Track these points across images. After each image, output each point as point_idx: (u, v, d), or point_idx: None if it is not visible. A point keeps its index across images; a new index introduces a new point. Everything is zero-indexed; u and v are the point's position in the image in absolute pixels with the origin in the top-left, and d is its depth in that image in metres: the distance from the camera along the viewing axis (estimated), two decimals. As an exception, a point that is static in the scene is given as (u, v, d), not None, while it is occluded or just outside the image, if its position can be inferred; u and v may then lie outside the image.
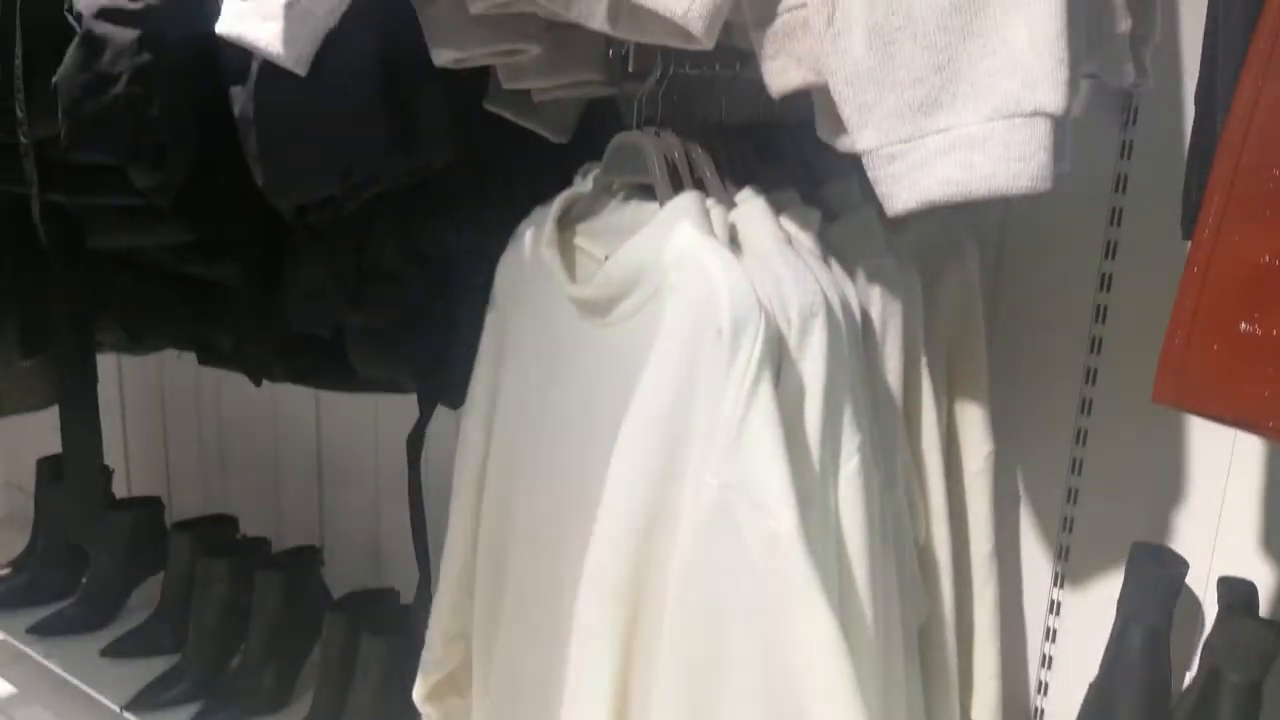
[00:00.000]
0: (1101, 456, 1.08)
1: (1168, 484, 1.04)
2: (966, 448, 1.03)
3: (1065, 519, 1.12)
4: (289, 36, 0.83)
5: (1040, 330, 1.09)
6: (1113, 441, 1.07)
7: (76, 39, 0.95)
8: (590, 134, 1.06)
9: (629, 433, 0.80)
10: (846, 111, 0.62)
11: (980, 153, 0.59)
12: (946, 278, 0.96)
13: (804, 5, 0.64)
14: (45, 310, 1.37)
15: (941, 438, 0.97)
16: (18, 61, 1.02)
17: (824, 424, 0.76)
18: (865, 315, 0.84)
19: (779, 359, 0.74)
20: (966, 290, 0.98)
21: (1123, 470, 1.07)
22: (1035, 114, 0.58)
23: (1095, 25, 0.74)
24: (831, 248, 0.84)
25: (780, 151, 0.95)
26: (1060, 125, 0.59)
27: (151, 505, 1.94)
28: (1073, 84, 0.58)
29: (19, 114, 1.05)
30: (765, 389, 0.72)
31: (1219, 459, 1.01)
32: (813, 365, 0.75)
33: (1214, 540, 1.03)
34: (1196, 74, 0.70)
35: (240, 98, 0.94)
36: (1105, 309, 1.05)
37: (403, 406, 1.32)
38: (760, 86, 0.72)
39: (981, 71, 0.58)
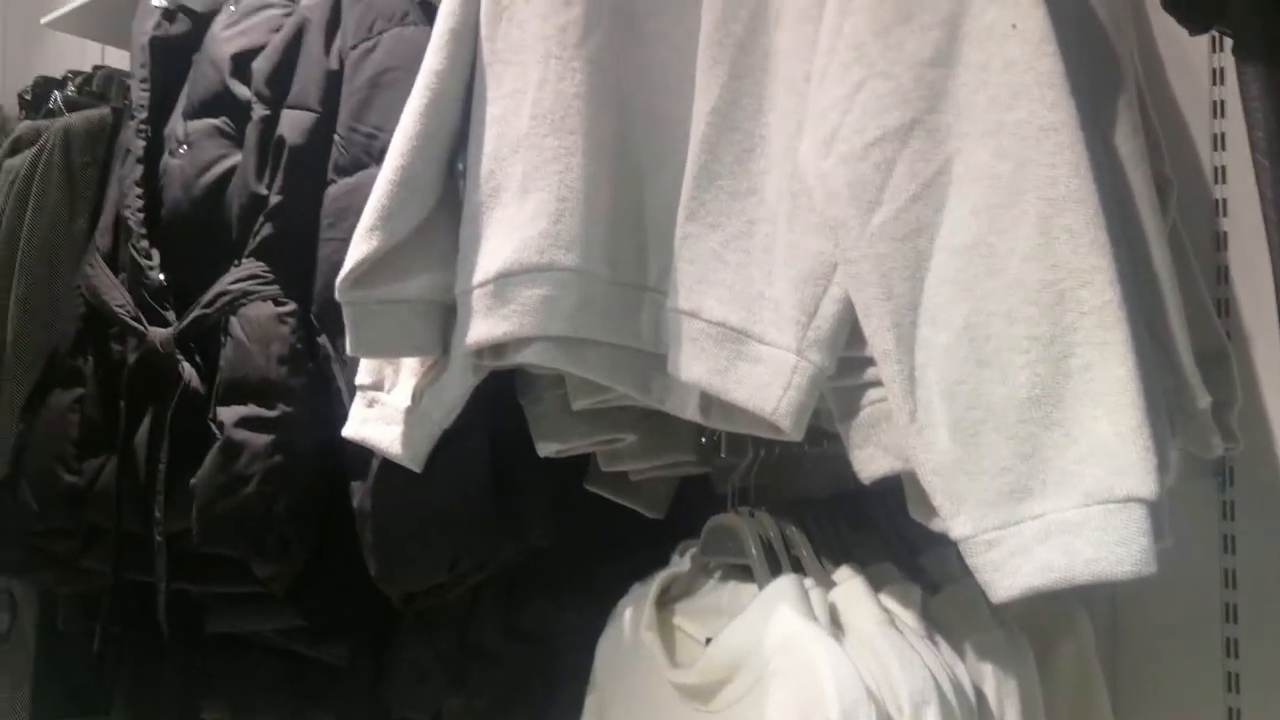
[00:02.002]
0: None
1: None
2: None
3: None
4: (408, 438, 0.90)
5: (1166, 688, 1.02)
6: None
7: (216, 445, 1.04)
8: (685, 508, 1.09)
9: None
10: (938, 500, 0.64)
11: (1079, 538, 0.59)
12: (1060, 648, 0.92)
13: (885, 399, 0.67)
14: (155, 686, 1.39)
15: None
16: (162, 466, 1.11)
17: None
18: (980, 694, 0.81)
19: (891, 748, 0.71)
20: (1082, 659, 0.94)
21: None
22: (1129, 500, 0.59)
23: (1176, 406, 0.76)
24: (936, 624, 0.82)
25: (873, 521, 0.96)
26: (1157, 507, 0.59)
27: None
28: (1162, 469, 0.59)
29: (157, 514, 1.13)
30: (880, 783, 0.68)
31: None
32: (927, 754, 0.72)
33: None
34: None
35: (359, 492, 1.00)
36: (1236, 677, 0.99)
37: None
38: (847, 460, 0.75)
39: (1069, 459, 0.60)
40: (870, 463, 0.71)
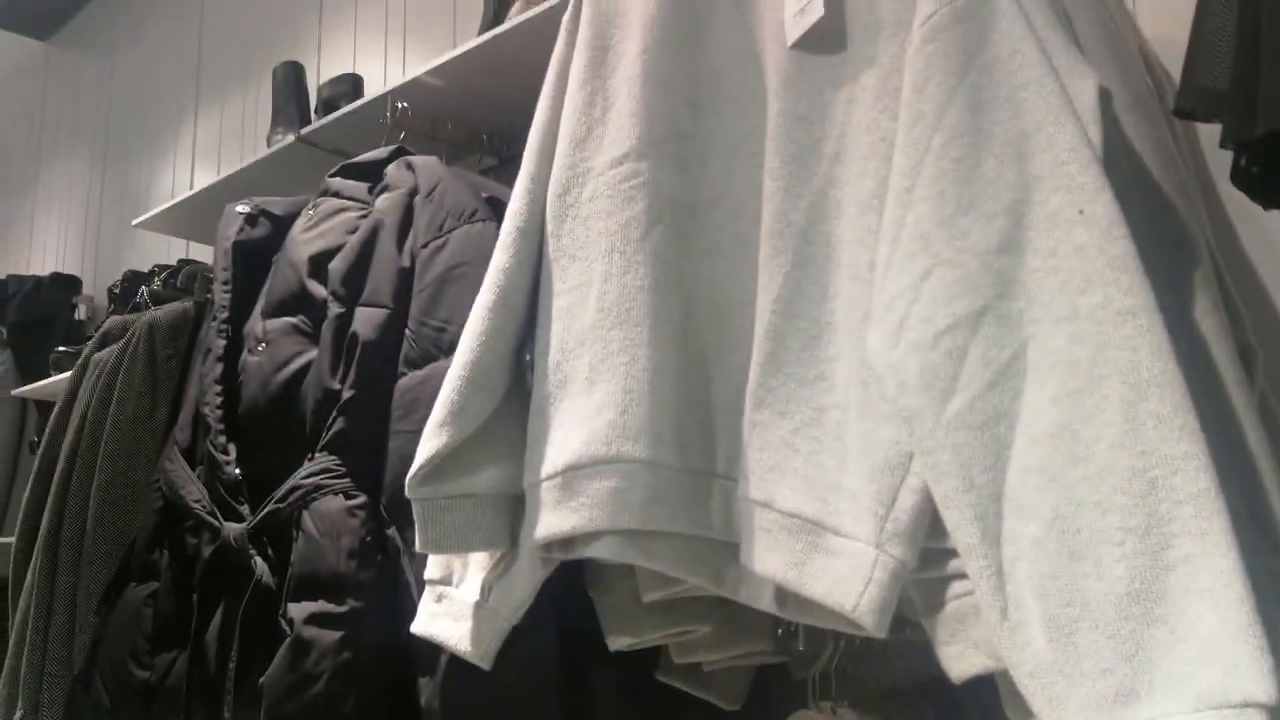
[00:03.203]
0: None
1: None
2: None
3: None
4: (476, 634, 0.88)
5: None
6: None
7: (286, 643, 1.03)
8: (762, 697, 1.05)
9: None
10: (1037, 705, 0.60)
11: None
12: None
13: (972, 592, 0.64)
14: None
15: None
16: (232, 665, 1.10)
17: None
18: None
19: None
20: None
21: None
22: (1245, 704, 0.54)
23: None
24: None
25: (964, 710, 0.91)
26: (1276, 712, 0.55)
27: None
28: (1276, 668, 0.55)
29: (226, 714, 1.11)
30: None
31: None
32: None
33: None
34: None
35: (427, 689, 0.98)
36: None
37: None
38: (931, 647, 0.71)
39: (1177, 659, 0.56)
40: (959, 660, 0.67)
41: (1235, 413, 0.71)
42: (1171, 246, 0.75)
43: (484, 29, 1.44)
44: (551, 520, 0.78)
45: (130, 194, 3.00)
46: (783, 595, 0.76)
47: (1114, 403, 0.59)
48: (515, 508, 0.85)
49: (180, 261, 2.32)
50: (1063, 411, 0.60)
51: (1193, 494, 0.56)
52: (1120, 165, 0.71)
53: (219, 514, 1.17)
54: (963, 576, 0.66)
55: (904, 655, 0.91)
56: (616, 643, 0.90)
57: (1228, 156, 0.75)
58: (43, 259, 3.40)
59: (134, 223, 2.14)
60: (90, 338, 1.98)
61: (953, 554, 0.66)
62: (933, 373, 0.64)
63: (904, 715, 0.84)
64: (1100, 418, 0.59)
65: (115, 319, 1.97)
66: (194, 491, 1.21)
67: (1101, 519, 0.58)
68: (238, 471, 1.15)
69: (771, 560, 0.72)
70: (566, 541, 0.80)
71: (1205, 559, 0.56)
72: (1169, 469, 0.57)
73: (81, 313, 3.00)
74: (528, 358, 0.87)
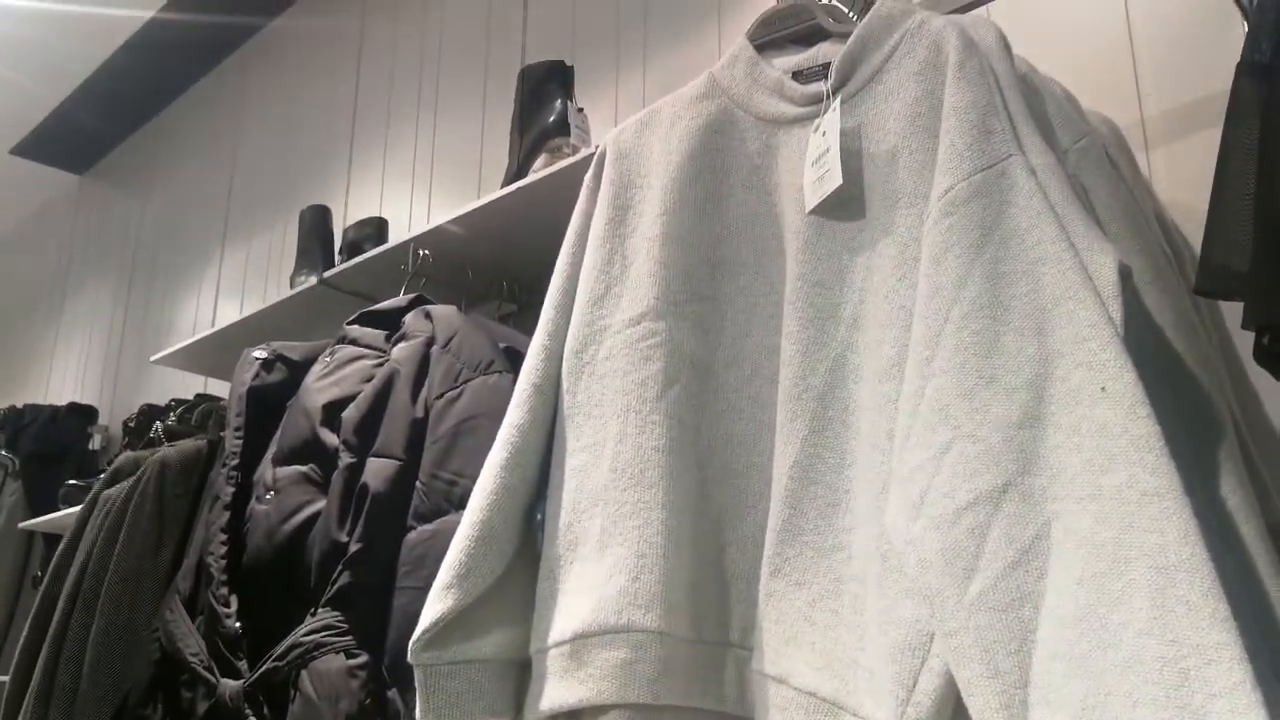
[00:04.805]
0: None
1: None
2: None
3: None
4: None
5: None
6: None
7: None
8: None
9: None
10: None
11: None
12: None
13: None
14: None
15: None
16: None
17: None
18: None
19: None
20: None
21: None
22: None
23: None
24: None
25: None
26: None
27: None
28: None
29: None
30: None
31: None
32: None
33: None
34: None
35: None
36: None
37: None
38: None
39: None
40: None
41: (1269, 598, 0.69)
42: (1196, 422, 0.74)
43: (508, 180, 1.48)
44: (559, 691, 0.76)
45: (152, 327, 3.05)
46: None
47: (1141, 587, 0.56)
48: (521, 674, 0.83)
49: (197, 397, 2.33)
50: (1089, 595, 0.58)
51: (1228, 687, 0.54)
52: (1142, 339, 0.70)
53: (216, 669, 1.13)
54: (989, 764, 0.62)
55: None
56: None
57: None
58: (61, 388, 3.43)
59: (152, 359, 2.16)
60: (103, 471, 1.98)
61: (978, 741, 0.63)
62: (954, 551, 0.62)
63: None
64: (1128, 603, 0.57)
65: (128, 455, 1.96)
66: (192, 645, 1.18)
67: (1132, 711, 0.55)
68: (238, 625, 1.12)
69: (787, 739, 0.69)
70: (573, 713, 0.77)
71: (1247, 762, 0.53)
72: (1201, 659, 0.54)
73: (96, 443, 3.01)
74: (539, 517, 0.86)
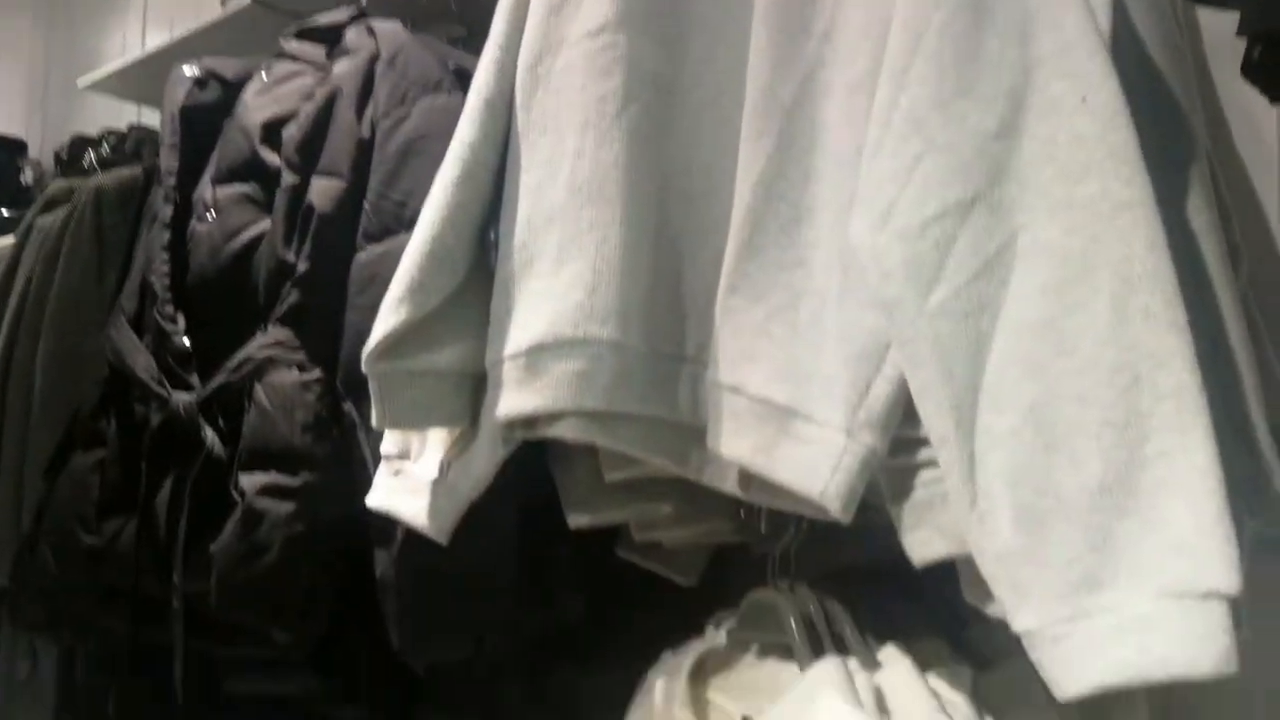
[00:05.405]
0: None
1: None
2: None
3: None
4: (434, 510, 0.87)
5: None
6: None
7: (237, 513, 1.02)
8: (720, 573, 1.05)
9: None
10: (1001, 590, 0.60)
11: (1155, 634, 0.56)
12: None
13: (942, 480, 0.64)
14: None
15: None
16: (182, 531, 1.09)
17: None
18: (1029, 781, 0.77)
19: None
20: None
21: None
22: (1209, 595, 0.55)
23: (1251, 486, 0.73)
24: (984, 703, 0.78)
25: (919, 591, 0.92)
26: (1238, 603, 0.55)
27: None
28: (1243, 560, 0.55)
29: (175, 579, 1.10)
30: None
31: None
32: None
33: None
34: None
35: (383, 562, 0.97)
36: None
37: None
38: (894, 529, 0.71)
39: (1144, 551, 0.56)
40: (924, 546, 0.67)
41: (1221, 313, 0.71)
42: (1171, 140, 0.73)
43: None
44: (514, 400, 0.76)
45: (79, 54, 2.87)
46: (747, 478, 0.76)
47: (1104, 296, 0.57)
48: (477, 386, 0.83)
49: (130, 126, 2.23)
50: (1050, 303, 0.59)
51: (1175, 390, 0.56)
52: (1126, 54, 0.68)
53: (167, 384, 1.14)
54: (932, 465, 0.65)
55: (865, 538, 0.91)
56: (576, 520, 0.89)
57: (1231, 55, 0.72)
58: (-16, 122, 3.25)
59: (81, 82, 2.04)
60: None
61: (924, 442, 0.65)
62: (918, 262, 0.62)
63: (859, 592, 0.85)
64: (1088, 310, 0.58)
65: (60, 183, 1.89)
66: (141, 361, 1.17)
67: (1081, 412, 0.58)
68: (186, 341, 1.12)
69: (739, 444, 0.71)
70: (529, 421, 0.78)
71: (1183, 454, 0.56)
72: (1154, 364, 0.56)
73: (28, 177, 2.90)
74: (492, 236, 0.84)
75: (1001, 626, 0.85)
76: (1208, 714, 0.97)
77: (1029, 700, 0.81)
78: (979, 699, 0.78)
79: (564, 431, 0.76)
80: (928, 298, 0.61)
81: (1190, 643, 0.55)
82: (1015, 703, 0.81)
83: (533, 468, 0.90)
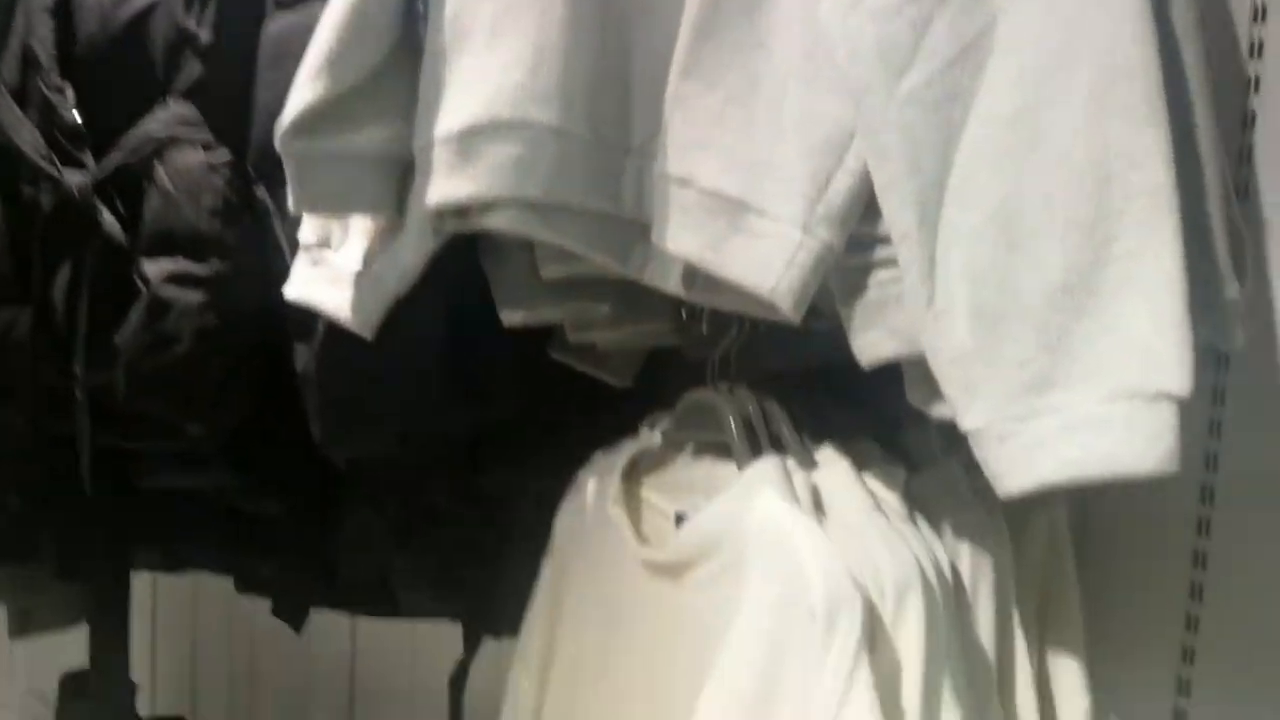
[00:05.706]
0: (1208, 710, 1.01)
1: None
2: (1062, 701, 0.96)
3: (1171, 777, 1.03)
4: (358, 303, 0.83)
5: (1135, 577, 1.03)
6: (1220, 695, 1.00)
7: (142, 302, 0.96)
8: (654, 375, 1.05)
9: (708, 710, 0.75)
10: (951, 390, 0.60)
11: (1102, 434, 0.56)
12: (1033, 528, 0.92)
13: (898, 280, 0.62)
14: (83, 535, 1.35)
15: (1036, 694, 0.91)
16: (82, 320, 1.02)
17: (923, 701, 0.71)
18: (955, 572, 0.80)
19: (874, 636, 0.69)
20: (1055, 538, 0.93)
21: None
22: (1159, 396, 0.55)
23: (1202, 294, 0.73)
24: (916, 502, 0.81)
25: (856, 395, 0.93)
26: (1184, 405, 0.56)
27: (175, 725, 1.84)
28: (1196, 364, 0.55)
29: (77, 370, 1.05)
30: (863, 673, 0.67)
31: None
32: (908, 640, 0.71)
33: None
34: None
35: (303, 355, 0.94)
36: (1204, 554, 1.00)
37: (441, 635, 1.28)
38: (832, 334, 0.71)
39: (1099, 351, 0.56)
40: (874, 347, 0.66)
41: (1194, 113, 0.68)
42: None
43: None
44: (445, 186, 0.72)
45: None
46: (690, 277, 0.74)
47: (1082, 87, 0.55)
48: (403, 171, 0.78)
49: None
50: (1025, 95, 0.56)
51: (1148, 189, 0.54)
52: None
53: (57, 162, 1.04)
54: (888, 265, 0.64)
55: (800, 343, 0.90)
56: (510, 317, 0.86)
57: None
58: None
59: None
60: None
61: (881, 241, 0.63)
62: (891, 44, 0.58)
63: (796, 395, 0.85)
64: (1064, 103, 0.55)
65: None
66: (25, 135, 1.07)
67: (1048, 210, 0.56)
68: (77, 115, 1.02)
69: (687, 240, 0.69)
70: (461, 210, 0.74)
71: (1150, 255, 0.55)
72: (1128, 163, 0.54)
73: None
74: (420, 5, 0.77)
75: (930, 430, 0.87)
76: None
77: (954, 497, 0.84)
78: (909, 497, 0.80)
79: (499, 223, 0.72)
80: (899, 83, 0.58)
81: (1136, 442, 0.56)
82: (941, 499, 0.83)
83: (465, 261, 0.86)
